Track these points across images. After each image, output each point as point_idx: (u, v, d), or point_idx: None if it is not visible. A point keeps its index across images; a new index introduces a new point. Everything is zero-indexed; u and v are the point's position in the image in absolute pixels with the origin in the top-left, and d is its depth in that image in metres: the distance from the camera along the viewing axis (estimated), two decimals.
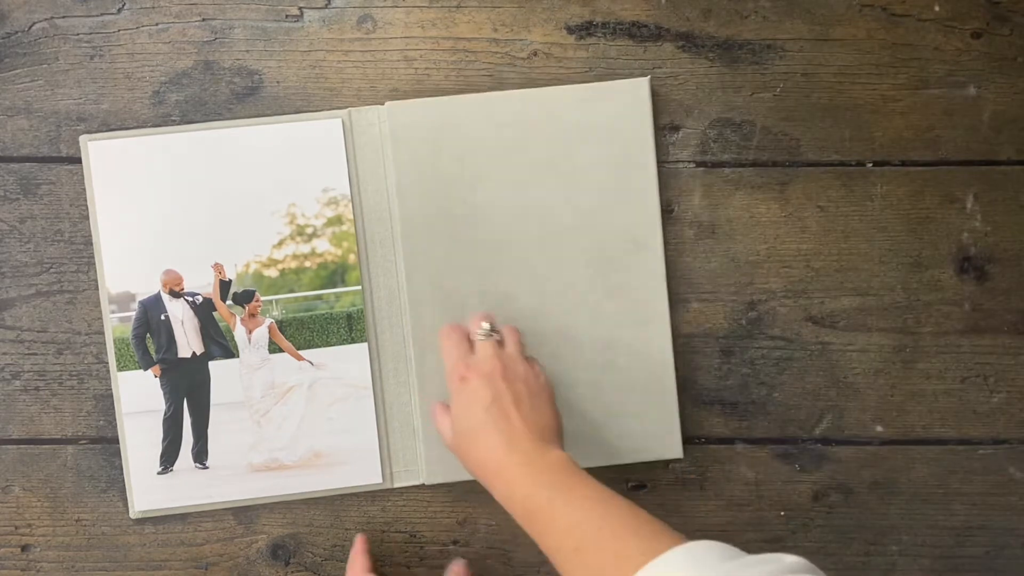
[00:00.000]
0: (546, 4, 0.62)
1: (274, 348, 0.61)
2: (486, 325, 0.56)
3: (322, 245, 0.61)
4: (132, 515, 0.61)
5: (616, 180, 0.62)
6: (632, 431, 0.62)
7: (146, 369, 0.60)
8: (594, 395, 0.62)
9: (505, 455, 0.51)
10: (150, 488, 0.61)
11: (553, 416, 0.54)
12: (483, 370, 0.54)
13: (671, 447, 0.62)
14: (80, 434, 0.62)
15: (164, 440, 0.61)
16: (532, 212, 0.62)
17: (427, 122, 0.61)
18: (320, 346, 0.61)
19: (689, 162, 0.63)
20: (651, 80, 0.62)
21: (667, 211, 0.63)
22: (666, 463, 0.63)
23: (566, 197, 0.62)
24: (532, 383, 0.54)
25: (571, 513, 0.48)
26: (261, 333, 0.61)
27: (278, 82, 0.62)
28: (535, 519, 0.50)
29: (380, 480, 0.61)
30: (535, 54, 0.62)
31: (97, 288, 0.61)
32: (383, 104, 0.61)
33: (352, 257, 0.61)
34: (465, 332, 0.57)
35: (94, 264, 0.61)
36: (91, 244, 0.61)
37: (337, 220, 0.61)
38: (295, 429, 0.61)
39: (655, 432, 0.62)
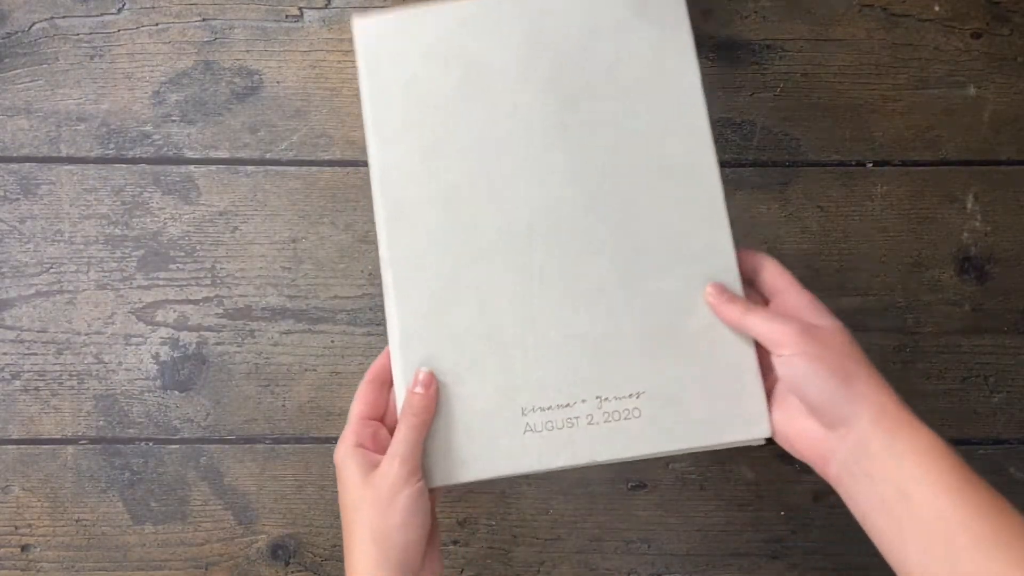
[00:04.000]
0: None
1: None
2: None
3: None
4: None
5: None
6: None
7: None
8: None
9: None
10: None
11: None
12: None
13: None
14: (80, 434, 0.62)
15: None
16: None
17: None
18: None
19: None
20: None
21: None
22: (666, 463, 0.63)
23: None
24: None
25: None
26: None
27: (278, 82, 0.62)
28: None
29: None
30: None
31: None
32: None
33: None
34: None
35: (94, 264, 0.61)
36: (91, 243, 0.61)
37: None
38: None
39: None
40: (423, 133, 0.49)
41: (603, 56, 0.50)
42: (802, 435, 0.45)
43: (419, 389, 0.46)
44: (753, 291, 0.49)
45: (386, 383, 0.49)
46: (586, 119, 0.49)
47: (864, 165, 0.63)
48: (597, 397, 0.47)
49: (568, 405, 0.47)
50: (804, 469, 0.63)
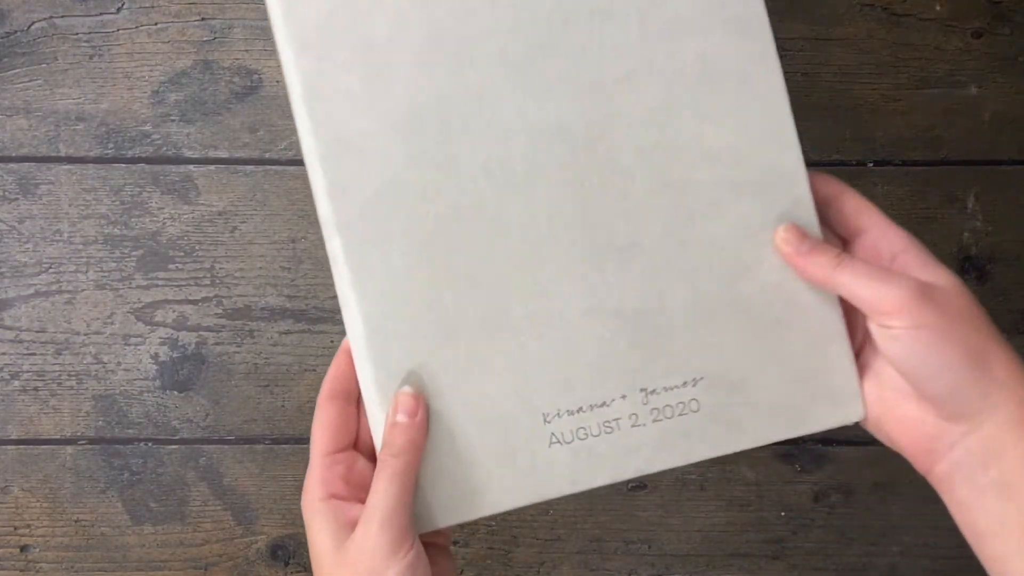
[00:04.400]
0: None
1: None
2: None
3: None
4: None
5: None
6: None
7: None
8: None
9: None
10: None
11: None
12: None
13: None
14: (79, 434, 0.62)
15: None
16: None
17: None
18: None
19: None
20: None
21: None
22: None
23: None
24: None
25: None
26: None
27: (278, 81, 0.62)
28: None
29: None
30: None
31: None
32: None
33: None
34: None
35: (93, 264, 0.61)
36: (91, 243, 0.61)
37: None
38: None
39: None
40: (361, 34, 0.34)
41: None
42: (902, 422, 0.35)
43: (402, 418, 0.33)
44: (825, 229, 0.37)
45: (352, 396, 0.36)
46: (596, 3, 0.35)
47: (864, 165, 0.63)
48: (641, 390, 0.36)
49: (604, 404, 0.35)
50: (804, 469, 0.63)
